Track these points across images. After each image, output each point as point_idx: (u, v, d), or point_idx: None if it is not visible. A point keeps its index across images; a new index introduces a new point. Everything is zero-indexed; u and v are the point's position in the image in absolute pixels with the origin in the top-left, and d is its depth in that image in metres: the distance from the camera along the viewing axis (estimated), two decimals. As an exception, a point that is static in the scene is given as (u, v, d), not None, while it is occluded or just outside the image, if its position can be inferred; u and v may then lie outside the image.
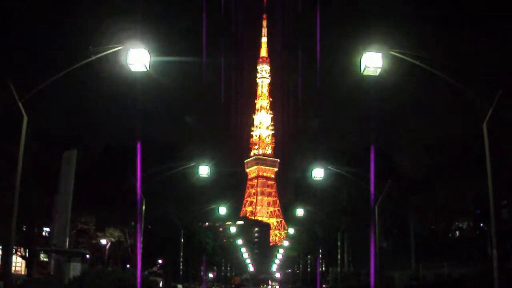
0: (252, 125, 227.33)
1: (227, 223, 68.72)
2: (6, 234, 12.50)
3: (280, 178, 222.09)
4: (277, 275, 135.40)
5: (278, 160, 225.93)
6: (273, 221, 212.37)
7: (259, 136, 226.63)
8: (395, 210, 29.70)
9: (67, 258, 25.14)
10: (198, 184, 37.17)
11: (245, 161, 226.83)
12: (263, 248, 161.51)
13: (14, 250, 30.34)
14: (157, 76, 16.12)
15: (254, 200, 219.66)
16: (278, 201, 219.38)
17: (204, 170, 25.11)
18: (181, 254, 38.02)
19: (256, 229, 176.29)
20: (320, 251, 47.93)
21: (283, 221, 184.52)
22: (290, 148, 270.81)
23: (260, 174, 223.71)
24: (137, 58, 12.55)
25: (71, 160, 27.96)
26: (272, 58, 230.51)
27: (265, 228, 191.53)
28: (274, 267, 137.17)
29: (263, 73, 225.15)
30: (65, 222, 27.39)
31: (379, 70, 12.80)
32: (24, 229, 33.96)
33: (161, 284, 41.70)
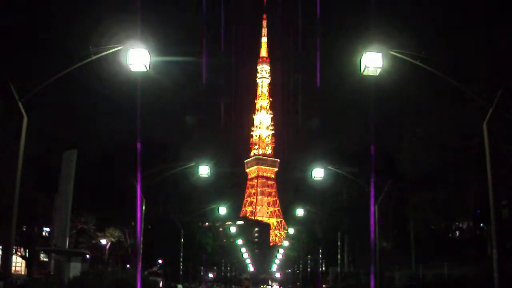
0: (252, 125, 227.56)
1: (227, 223, 68.69)
2: (6, 234, 12.49)
3: (280, 178, 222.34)
4: (277, 275, 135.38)
5: (278, 160, 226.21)
6: (273, 221, 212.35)
7: (259, 136, 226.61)
8: (395, 210, 29.67)
9: (67, 258, 25.15)
10: (198, 184, 37.16)
11: (245, 161, 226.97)
12: (263, 248, 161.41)
13: (14, 250, 30.34)
14: (157, 76, 16.13)
15: (254, 200, 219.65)
16: (278, 201, 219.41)
17: (204, 170, 25.10)
18: (181, 254, 38.02)
19: (256, 229, 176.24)
20: (320, 251, 47.93)
21: (283, 221, 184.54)
22: (290, 148, 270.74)
23: (260, 174, 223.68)
24: (137, 58, 12.53)
25: (71, 160, 27.97)
26: (272, 58, 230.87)
27: (265, 228, 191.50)
28: (274, 267, 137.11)
29: (263, 73, 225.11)
30: (65, 222, 27.40)
31: (379, 70, 12.79)
32: (24, 229, 33.97)
33: (161, 284, 41.71)
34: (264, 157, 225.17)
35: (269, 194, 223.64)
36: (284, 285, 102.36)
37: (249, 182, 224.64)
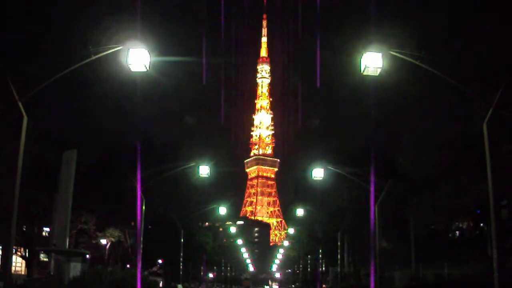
0: (252, 125, 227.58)
1: (227, 223, 68.64)
2: (6, 234, 12.50)
3: (280, 178, 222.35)
4: (277, 275, 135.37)
5: (278, 160, 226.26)
6: (273, 221, 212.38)
7: (259, 136, 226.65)
8: (395, 210, 29.67)
9: (67, 258, 25.11)
10: (198, 184, 37.12)
11: (245, 161, 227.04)
12: (263, 248, 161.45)
13: (14, 250, 30.32)
14: (157, 76, 16.13)
15: (254, 200, 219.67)
16: (278, 201, 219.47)
17: (204, 170, 25.09)
18: (181, 254, 38.01)
19: (256, 229, 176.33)
20: (320, 251, 47.94)
21: (283, 221, 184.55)
22: (290, 148, 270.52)
23: (260, 174, 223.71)
24: (137, 58, 12.54)
25: (71, 160, 27.89)
26: (272, 58, 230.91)
27: (265, 228, 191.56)
28: (274, 267, 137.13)
29: (263, 73, 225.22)
30: (65, 222, 27.32)
31: (379, 70, 12.79)
32: (24, 229, 33.96)
33: (161, 284, 41.73)
34: (264, 157, 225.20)
35: (269, 194, 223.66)
36: (284, 285, 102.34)
37: (249, 182, 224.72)
